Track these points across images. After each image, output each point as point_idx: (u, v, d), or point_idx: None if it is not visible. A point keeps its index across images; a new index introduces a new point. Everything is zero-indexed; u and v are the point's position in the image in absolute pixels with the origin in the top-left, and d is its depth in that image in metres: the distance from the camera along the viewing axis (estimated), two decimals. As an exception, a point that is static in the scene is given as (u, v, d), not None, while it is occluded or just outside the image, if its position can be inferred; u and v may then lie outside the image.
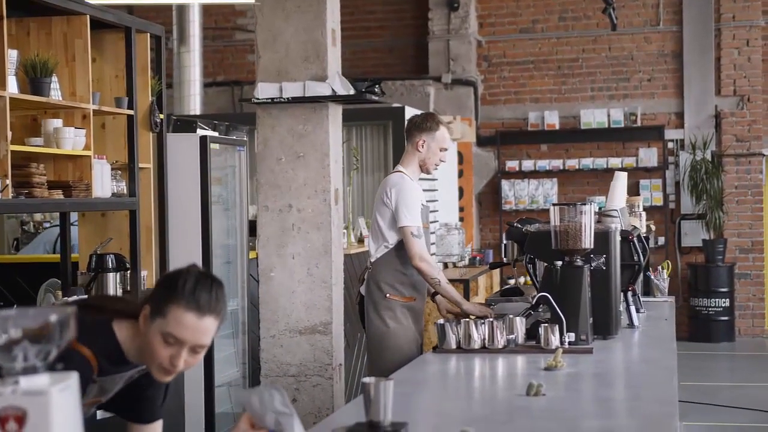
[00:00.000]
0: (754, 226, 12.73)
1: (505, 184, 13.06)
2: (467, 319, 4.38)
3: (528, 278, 12.04)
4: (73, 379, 1.78)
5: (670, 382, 3.51)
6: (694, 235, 12.72)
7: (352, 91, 5.85)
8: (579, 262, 4.45)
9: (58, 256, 5.89)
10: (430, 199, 10.22)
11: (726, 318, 12.41)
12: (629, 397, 3.43)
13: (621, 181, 5.60)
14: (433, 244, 10.04)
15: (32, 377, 1.75)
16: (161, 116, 6.02)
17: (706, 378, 10.33)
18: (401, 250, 5.24)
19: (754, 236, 12.74)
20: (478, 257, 11.01)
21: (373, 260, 5.38)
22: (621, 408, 3.27)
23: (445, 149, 5.45)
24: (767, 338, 12.70)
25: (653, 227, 10.28)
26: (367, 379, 2.75)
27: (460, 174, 12.38)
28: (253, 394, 2.55)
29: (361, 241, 8.60)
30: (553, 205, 4.51)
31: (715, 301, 12.37)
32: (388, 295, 5.27)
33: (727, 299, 12.39)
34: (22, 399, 1.72)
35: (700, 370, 10.75)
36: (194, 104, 10.79)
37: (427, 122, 5.41)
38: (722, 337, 12.37)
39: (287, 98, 5.78)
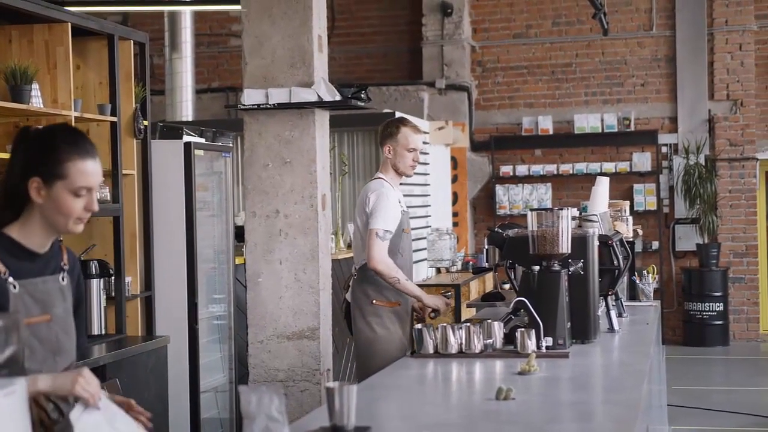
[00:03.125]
0: (747, 230, 12.74)
1: (500, 189, 13.07)
2: (444, 324, 4.40)
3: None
4: (19, 384, 1.80)
5: (639, 386, 3.51)
6: (687, 239, 12.73)
7: (338, 97, 5.86)
8: (556, 267, 4.46)
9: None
10: (422, 204, 10.28)
11: (720, 322, 12.41)
12: (596, 401, 3.44)
13: (602, 186, 5.61)
14: (424, 249, 10.07)
15: (-24, 383, 1.77)
16: (145, 123, 6.05)
17: (699, 382, 10.34)
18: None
19: (748, 240, 12.74)
20: (471, 262, 11.02)
21: (357, 267, 5.44)
22: (586, 412, 3.28)
23: (413, 149, 5.47)
24: (761, 342, 12.69)
25: (640, 232, 10.29)
26: (330, 384, 2.78)
27: (455, 179, 12.40)
28: (253, 393, 2.59)
29: (350, 246, 8.62)
30: (531, 210, 4.53)
31: (709, 306, 12.37)
32: (374, 301, 5.34)
33: (721, 303, 12.39)
34: (-35, 404, 1.73)
35: (694, 374, 10.75)
36: (186, 110, 10.82)
37: (387, 128, 5.51)
38: (716, 341, 12.37)
39: (273, 104, 5.80)
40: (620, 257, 5.11)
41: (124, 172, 5.84)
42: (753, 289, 12.76)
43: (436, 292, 8.07)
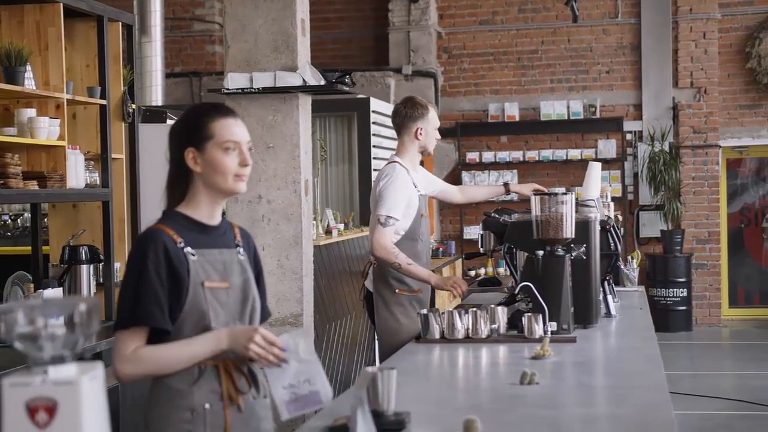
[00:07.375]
0: (710, 216, 12.89)
1: (466, 176, 13.09)
2: (451, 309, 4.38)
3: (491, 269, 12.09)
4: (99, 369, 1.76)
5: (660, 371, 3.53)
6: (652, 225, 12.85)
7: (322, 82, 5.82)
8: (560, 252, 4.46)
9: (29, 248, 5.79)
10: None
11: (683, 308, 12.56)
12: (621, 386, 3.42)
13: (595, 170, 5.63)
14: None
15: (60, 367, 1.73)
16: (133, 106, 5.95)
17: (665, 367, 10.42)
18: (406, 243, 5.17)
19: (711, 227, 12.90)
20: (440, 249, 11.04)
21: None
22: (615, 395, 3.27)
23: (438, 126, 5.48)
24: (723, 327, 12.86)
25: (620, 217, 10.37)
26: (371, 369, 2.75)
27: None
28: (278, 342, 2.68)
29: (328, 232, 8.57)
30: (535, 194, 4.51)
31: (673, 291, 12.51)
32: (397, 290, 5.21)
33: (685, 289, 12.54)
34: (51, 389, 1.70)
35: (660, 359, 10.85)
36: (156, 95, 10.67)
37: (417, 110, 5.38)
38: (680, 326, 12.52)
39: (258, 88, 5.74)
40: (617, 241, 5.13)
41: (113, 156, 5.74)
42: (715, 275, 12.92)
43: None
